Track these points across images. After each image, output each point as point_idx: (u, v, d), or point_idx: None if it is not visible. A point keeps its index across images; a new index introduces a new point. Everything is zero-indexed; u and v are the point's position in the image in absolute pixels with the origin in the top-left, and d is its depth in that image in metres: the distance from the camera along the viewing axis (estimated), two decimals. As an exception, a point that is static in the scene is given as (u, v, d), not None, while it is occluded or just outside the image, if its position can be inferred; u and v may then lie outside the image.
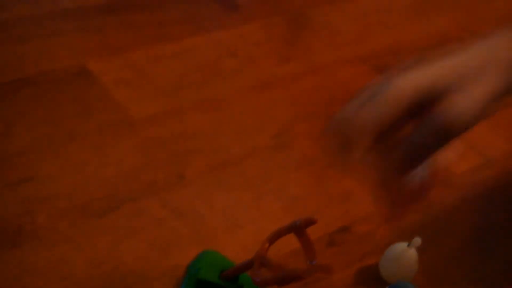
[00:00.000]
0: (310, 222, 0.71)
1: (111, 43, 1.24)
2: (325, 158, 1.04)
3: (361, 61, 1.30)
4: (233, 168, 1.00)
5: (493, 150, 1.12)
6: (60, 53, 1.20)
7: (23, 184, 0.92)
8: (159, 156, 1.00)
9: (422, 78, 0.53)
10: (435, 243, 0.89)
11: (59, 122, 1.04)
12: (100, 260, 0.82)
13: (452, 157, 0.60)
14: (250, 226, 0.91)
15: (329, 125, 0.56)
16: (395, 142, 0.55)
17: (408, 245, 0.80)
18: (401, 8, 1.51)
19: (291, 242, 0.74)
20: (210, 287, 0.74)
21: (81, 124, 1.04)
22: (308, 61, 1.28)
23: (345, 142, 0.54)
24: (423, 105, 0.53)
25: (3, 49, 1.19)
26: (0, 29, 1.24)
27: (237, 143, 1.05)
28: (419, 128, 0.53)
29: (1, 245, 0.83)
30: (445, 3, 1.56)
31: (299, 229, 0.68)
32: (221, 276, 0.74)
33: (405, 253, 0.80)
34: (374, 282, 0.81)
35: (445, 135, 0.52)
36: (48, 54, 1.19)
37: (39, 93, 1.10)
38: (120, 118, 1.07)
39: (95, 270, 0.81)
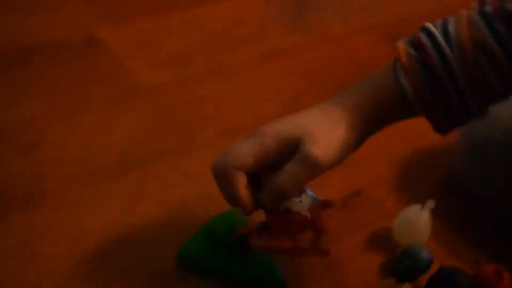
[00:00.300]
0: (327, 204, 0.70)
1: (120, 12, 1.23)
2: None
3: (373, 30, 1.28)
4: (243, 135, 0.99)
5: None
6: (69, 22, 1.19)
7: (32, 149, 0.92)
8: (169, 122, 1.00)
9: (282, 129, 0.65)
10: (449, 206, 0.88)
11: (69, 89, 1.04)
12: (111, 224, 0.82)
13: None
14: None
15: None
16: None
17: (422, 208, 0.79)
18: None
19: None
20: (218, 244, 0.74)
21: (91, 91, 1.04)
22: (319, 30, 1.27)
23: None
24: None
25: (11, 18, 1.18)
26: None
27: (247, 111, 1.04)
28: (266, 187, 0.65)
29: (11, 210, 0.83)
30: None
31: (314, 209, 0.67)
32: (231, 234, 0.74)
33: (418, 216, 0.79)
34: (387, 245, 0.80)
35: (280, 195, 0.65)
36: (57, 23, 1.18)
37: (48, 61, 1.09)
38: (130, 85, 1.06)
39: (106, 234, 0.81)
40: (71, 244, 0.79)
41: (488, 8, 0.65)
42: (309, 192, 0.68)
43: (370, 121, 0.67)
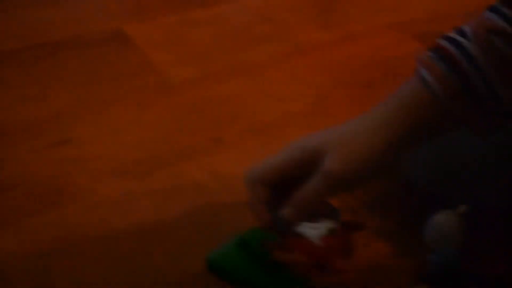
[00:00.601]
0: (356, 227, 0.69)
1: (147, 7, 1.23)
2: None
3: (400, 28, 1.27)
4: (270, 134, 0.99)
5: None
6: (96, 16, 1.19)
7: (61, 146, 0.92)
8: (195, 120, 0.99)
9: (308, 143, 0.65)
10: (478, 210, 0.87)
11: (96, 85, 1.04)
12: (140, 223, 0.82)
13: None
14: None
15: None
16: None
17: (453, 213, 0.78)
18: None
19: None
20: (249, 255, 0.73)
21: (118, 87, 1.04)
22: (345, 28, 1.26)
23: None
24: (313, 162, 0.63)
25: (38, 12, 1.18)
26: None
27: (273, 109, 1.04)
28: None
29: (41, 207, 0.83)
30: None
31: (329, 240, 0.66)
32: (265, 245, 0.73)
33: (448, 221, 0.78)
34: (417, 251, 0.80)
35: (300, 210, 0.63)
36: (84, 17, 1.18)
37: (74, 56, 1.10)
38: (156, 81, 1.06)
39: (135, 233, 0.81)
40: (100, 242, 0.79)
41: (495, 3, 0.65)
42: (333, 218, 0.66)
43: (401, 134, 0.66)
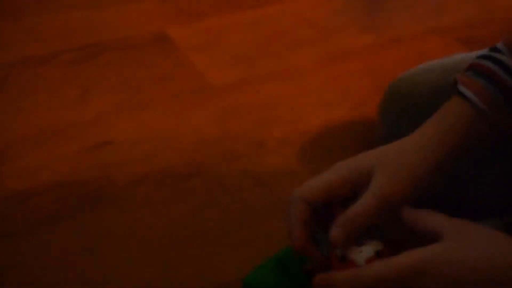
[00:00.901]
0: (404, 246, 0.66)
1: (189, 10, 1.22)
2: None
3: (443, 33, 1.25)
4: (313, 139, 0.97)
5: None
6: (138, 19, 1.19)
7: (101, 148, 0.92)
8: (237, 124, 0.98)
9: (355, 161, 0.63)
10: None
11: (137, 88, 1.04)
12: (177, 228, 0.81)
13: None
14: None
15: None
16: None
17: (500, 221, 0.76)
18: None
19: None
20: (287, 277, 0.71)
21: (159, 90, 1.03)
22: (388, 33, 1.24)
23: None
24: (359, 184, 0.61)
25: (81, 15, 1.19)
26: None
27: (316, 114, 1.02)
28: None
29: (80, 209, 0.83)
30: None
31: (392, 250, 0.64)
32: (301, 268, 0.70)
33: (497, 229, 0.76)
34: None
35: (349, 229, 0.60)
36: (126, 20, 1.18)
37: (117, 58, 1.10)
38: (198, 84, 1.05)
39: (171, 238, 0.80)
40: (137, 245, 0.79)
41: None
42: (378, 240, 0.63)
43: (449, 152, 0.64)
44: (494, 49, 0.67)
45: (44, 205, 0.83)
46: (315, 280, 0.59)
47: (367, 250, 0.60)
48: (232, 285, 0.73)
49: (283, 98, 1.05)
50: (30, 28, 1.15)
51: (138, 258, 0.77)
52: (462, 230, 0.57)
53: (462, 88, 0.65)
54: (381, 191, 0.60)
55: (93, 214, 0.82)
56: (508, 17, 1.30)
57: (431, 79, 0.82)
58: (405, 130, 0.69)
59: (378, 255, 0.60)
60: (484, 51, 0.68)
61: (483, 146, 0.67)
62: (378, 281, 0.55)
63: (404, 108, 0.82)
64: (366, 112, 1.04)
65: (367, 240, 0.61)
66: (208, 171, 0.89)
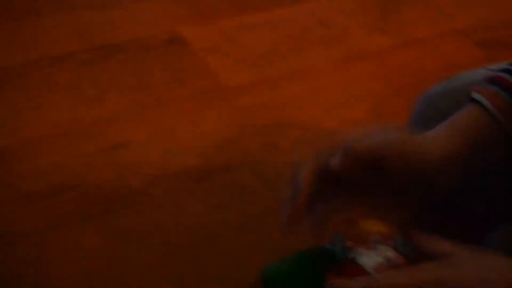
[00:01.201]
0: (417, 258, 0.65)
1: (202, 10, 1.22)
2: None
3: (460, 35, 1.24)
4: (327, 141, 0.97)
5: None
6: (151, 19, 1.19)
7: (116, 150, 0.92)
8: (251, 125, 0.98)
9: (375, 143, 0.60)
10: None
11: (152, 88, 1.03)
12: (194, 230, 0.81)
13: None
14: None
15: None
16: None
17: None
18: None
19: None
20: (306, 276, 0.71)
21: (173, 90, 1.03)
22: (403, 34, 1.23)
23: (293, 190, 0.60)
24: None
25: (96, 15, 1.19)
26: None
27: (330, 116, 1.02)
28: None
29: (95, 211, 0.83)
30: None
31: (403, 260, 0.63)
32: (322, 268, 0.70)
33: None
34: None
35: None
36: (139, 20, 1.18)
37: (131, 59, 1.09)
38: (212, 85, 1.05)
39: (190, 240, 0.80)
40: (155, 248, 0.79)
41: None
42: (393, 247, 0.63)
43: (463, 149, 0.64)
44: (510, 63, 0.67)
45: (60, 205, 0.83)
46: (327, 285, 0.59)
47: (379, 256, 0.60)
48: (253, 285, 0.73)
49: (297, 99, 1.04)
50: (47, 27, 1.15)
51: (157, 262, 0.77)
52: (466, 255, 0.57)
53: (475, 95, 0.65)
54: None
55: (108, 215, 0.82)
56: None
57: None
58: None
59: (388, 263, 0.59)
60: (504, 64, 0.67)
61: (495, 152, 0.66)
62: None
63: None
64: (381, 114, 1.03)
65: (379, 246, 0.61)
66: (222, 172, 0.89)
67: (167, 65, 1.08)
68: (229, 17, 1.21)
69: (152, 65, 1.08)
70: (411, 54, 1.17)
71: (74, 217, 0.82)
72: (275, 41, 1.17)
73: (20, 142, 0.93)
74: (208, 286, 0.73)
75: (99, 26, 1.16)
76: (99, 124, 0.96)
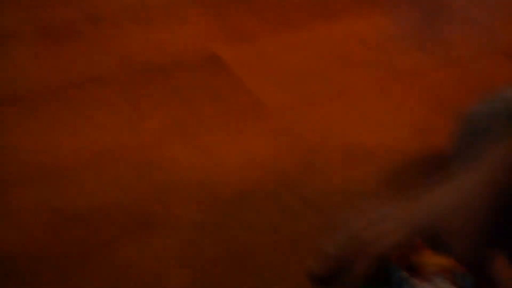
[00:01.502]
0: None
1: (240, 30, 1.22)
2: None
3: (501, 53, 1.21)
4: (366, 161, 0.95)
5: None
6: (191, 39, 1.19)
7: (154, 170, 0.91)
8: (289, 145, 0.97)
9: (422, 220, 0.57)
10: None
11: (191, 109, 1.03)
12: (233, 251, 0.80)
13: None
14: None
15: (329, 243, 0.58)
16: None
17: None
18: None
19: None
20: None
21: (212, 111, 1.02)
22: (444, 53, 1.21)
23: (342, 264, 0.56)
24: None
25: (135, 35, 1.19)
26: (128, 13, 1.25)
27: (372, 136, 1.00)
28: None
29: (129, 231, 0.82)
30: None
31: None
32: None
33: None
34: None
35: None
36: (179, 40, 1.18)
37: (170, 78, 1.09)
38: (250, 105, 1.04)
39: (228, 261, 0.79)
40: (193, 269, 0.78)
41: None
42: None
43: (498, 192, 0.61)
44: None
45: (99, 227, 0.83)
46: None
47: (433, 285, 0.58)
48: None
49: (337, 118, 1.03)
50: (88, 49, 1.16)
51: (191, 282, 0.76)
52: None
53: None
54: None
55: (146, 237, 0.81)
56: None
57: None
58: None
59: None
60: None
61: None
62: None
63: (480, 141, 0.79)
64: (423, 134, 1.01)
65: (436, 278, 0.59)
66: (261, 192, 0.88)
67: (207, 86, 1.08)
68: (265, 36, 1.21)
69: (190, 85, 1.08)
70: (452, 73, 1.15)
71: (113, 239, 0.81)
72: (314, 60, 1.16)
73: (61, 163, 0.93)
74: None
75: (139, 47, 1.17)
76: (137, 144, 0.96)
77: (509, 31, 1.29)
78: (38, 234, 0.81)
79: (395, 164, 0.95)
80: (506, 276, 0.58)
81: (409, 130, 1.01)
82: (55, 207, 0.85)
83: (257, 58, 1.15)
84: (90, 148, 0.95)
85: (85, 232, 0.82)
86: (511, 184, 0.60)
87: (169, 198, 0.87)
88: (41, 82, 1.08)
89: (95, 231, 0.82)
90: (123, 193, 0.88)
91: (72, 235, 0.82)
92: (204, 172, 0.91)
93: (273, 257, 0.79)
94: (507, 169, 0.61)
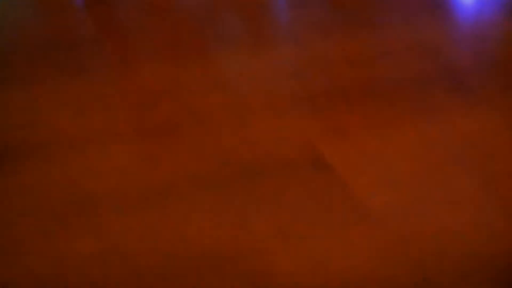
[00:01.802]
0: None
1: (342, 126, 1.18)
2: None
3: None
4: (492, 279, 0.88)
5: None
6: (288, 136, 1.16)
7: (259, 280, 0.87)
8: (398, 255, 0.91)
9: None
10: None
11: (295, 214, 0.99)
12: None
13: None
14: None
15: None
16: None
17: None
18: None
19: None
20: None
21: (318, 219, 0.98)
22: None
23: None
24: None
25: (229, 134, 1.18)
26: (227, 111, 1.23)
27: (499, 245, 0.93)
28: None
29: None
30: None
31: None
32: None
33: None
34: None
35: None
36: (278, 140, 1.15)
37: (271, 181, 1.06)
38: (359, 212, 0.99)
39: None
40: None
41: None
42: None
43: None
44: None
45: None
46: None
47: None
48: None
49: (454, 227, 0.96)
50: (188, 146, 1.15)
51: None
52: None
53: None
54: None
55: None
56: None
57: None
58: None
59: None
60: None
61: None
62: None
63: None
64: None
65: None
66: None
67: (310, 190, 1.04)
68: (367, 134, 1.17)
69: (293, 188, 1.04)
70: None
71: None
72: (422, 159, 1.11)
73: (160, 261, 0.90)
74: None
75: (240, 147, 1.15)
76: (240, 251, 0.92)
77: None
78: None
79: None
80: None
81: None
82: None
83: (362, 158, 1.11)
84: (189, 249, 0.92)
85: None
86: None
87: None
88: (138, 184, 1.07)
89: None
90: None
91: None
92: (310, 284, 0.86)
93: None
94: None
